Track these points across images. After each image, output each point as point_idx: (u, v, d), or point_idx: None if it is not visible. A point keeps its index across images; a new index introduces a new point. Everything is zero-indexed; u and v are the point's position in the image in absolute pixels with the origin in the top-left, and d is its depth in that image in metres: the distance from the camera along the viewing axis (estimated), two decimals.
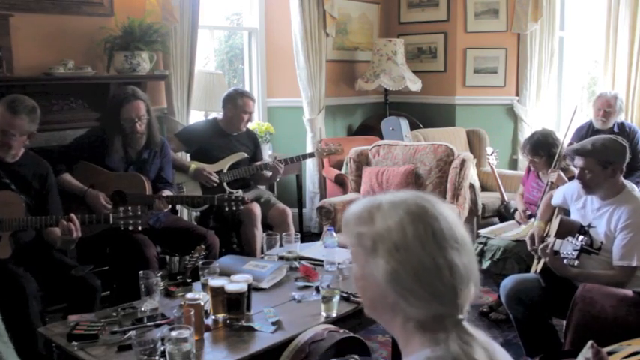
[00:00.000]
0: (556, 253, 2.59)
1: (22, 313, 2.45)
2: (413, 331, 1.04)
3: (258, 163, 4.00)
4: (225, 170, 3.84)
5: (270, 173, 3.92)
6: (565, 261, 2.55)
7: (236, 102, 3.86)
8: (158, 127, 3.44)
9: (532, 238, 2.94)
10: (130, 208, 2.81)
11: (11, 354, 1.19)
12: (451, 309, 1.01)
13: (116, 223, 2.78)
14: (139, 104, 3.19)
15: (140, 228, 2.83)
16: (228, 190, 3.69)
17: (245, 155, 3.95)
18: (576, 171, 2.72)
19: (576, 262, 2.53)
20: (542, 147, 3.48)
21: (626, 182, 2.71)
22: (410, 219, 1.02)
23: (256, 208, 3.70)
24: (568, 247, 2.55)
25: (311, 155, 4.28)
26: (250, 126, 4.36)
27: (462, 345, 0.99)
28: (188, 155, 4.05)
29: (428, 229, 1.01)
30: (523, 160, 5.12)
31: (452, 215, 1.05)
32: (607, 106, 4.38)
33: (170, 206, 3.36)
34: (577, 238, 2.55)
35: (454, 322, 1.01)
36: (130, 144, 3.24)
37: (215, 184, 3.72)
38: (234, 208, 3.22)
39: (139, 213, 2.80)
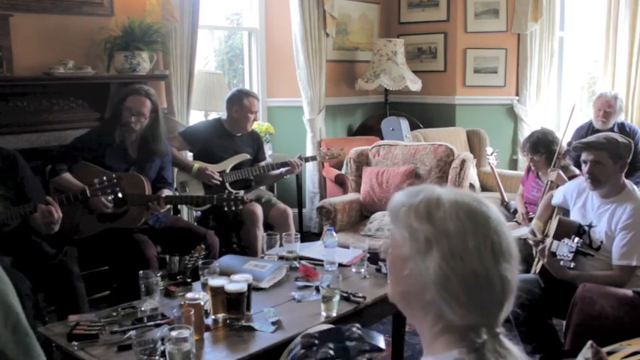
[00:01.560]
0: (553, 254, 2.60)
1: None
2: (442, 331, 1.01)
3: (262, 163, 4.00)
4: (227, 171, 3.84)
5: (287, 168, 3.95)
6: (561, 262, 2.56)
7: (242, 102, 3.86)
8: (164, 135, 3.39)
9: (533, 233, 2.97)
10: (105, 177, 2.77)
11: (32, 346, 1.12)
12: (490, 321, 0.99)
13: (94, 194, 2.76)
14: (144, 101, 3.19)
15: (120, 195, 2.80)
16: (229, 190, 3.69)
17: (248, 157, 3.95)
18: (584, 165, 2.71)
19: (572, 264, 2.54)
20: (542, 144, 3.49)
21: (626, 182, 2.72)
22: (472, 227, 0.98)
23: (258, 209, 3.70)
24: (564, 249, 2.56)
25: (313, 158, 4.31)
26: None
27: (497, 357, 0.97)
28: (191, 154, 4.05)
29: (488, 241, 0.98)
30: (523, 160, 5.13)
31: (508, 228, 1.03)
32: (607, 107, 4.38)
33: (168, 206, 3.35)
34: (573, 240, 2.56)
35: (492, 334, 0.99)
36: (123, 135, 3.23)
37: (218, 183, 3.72)
38: (233, 208, 3.22)
39: (115, 180, 2.76)
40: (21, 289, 2.46)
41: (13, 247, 2.75)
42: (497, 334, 1.00)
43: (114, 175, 2.79)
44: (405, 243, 1.02)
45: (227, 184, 3.78)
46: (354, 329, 1.64)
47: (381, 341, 1.62)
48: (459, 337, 0.99)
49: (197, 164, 3.77)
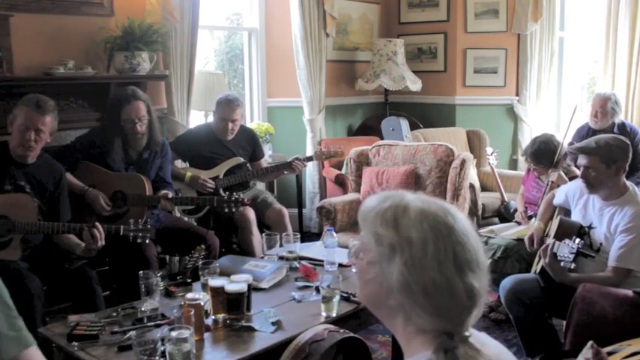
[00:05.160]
0: (554, 255, 2.59)
1: (25, 312, 2.45)
2: (415, 333, 1.03)
3: (263, 164, 3.98)
4: (221, 176, 3.78)
5: (288, 171, 3.91)
6: (562, 263, 2.55)
7: (218, 110, 3.80)
8: (159, 127, 3.42)
9: (531, 239, 2.95)
10: (139, 220, 2.85)
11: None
12: (457, 327, 1.01)
13: (126, 234, 2.80)
14: (139, 105, 3.19)
15: (148, 241, 2.85)
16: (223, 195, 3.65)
17: (241, 160, 3.86)
18: (579, 170, 2.72)
19: (572, 265, 2.54)
20: (545, 156, 3.46)
21: (628, 184, 2.71)
22: (434, 237, 0.99)
23: (251, 214, 3.65)
24: (565, 250, 2.56)
25: (309, 159, 4.19)
26: (250, 126, 4.33)
27: (468, 359, 0.99)
28: (187, 161, 4.02)
29: (449, 251, 0.99)
30: (523, 161, 5.13)
31: (475, 237, 1.04)
32: (599, 107, 4.38)
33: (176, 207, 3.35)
34: (574, 241, 2.55)
35: (461, 338, 1.01)
36: (130, 144, 3.24)
37: (211, 190, 3.67)
38: (233, 210, 3.21)
39: (149, 226, 2.83)
40: (32, 289, 2.48)
41: (38, 254, 2.78)
42: (467, 338, 1.01)
43: (148, 220, 2.87)
44: (371, 248, 1.04)
45: (220, 190, 3.71)
46: None
47: None
48: (432, 339, 1.01)
49: (189, 172, 3.72)
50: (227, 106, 3.76)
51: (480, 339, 1.06)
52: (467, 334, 1.01)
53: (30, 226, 2.66)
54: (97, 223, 2.71)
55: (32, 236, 2.75)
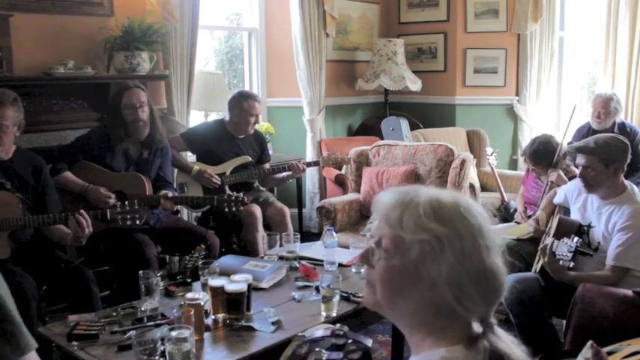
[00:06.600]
0: (552, 254, 2.60)
1: (21, 313, 2.45)
2: (431, 331, 1.02)
3: (266, 166, 4.01)
4: (227, 173, 3.81)
5: (290, 172, 3.93)
6: (560, 262, 2.56)
7: (241, 106, 3.81)
8: (161, 126, 3.39)
9: (537, 220, 2.97)
10: (127, 202, 2.79)
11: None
12: (489, 311, 1.05)
13: (114, 218, 2.77)
14: (139, 92, 3.20)
15: (139, 222, 2.81)
16: (228, 192, 3.67)
17: (249, 159, 3.90)
18: (578, 169, 2.72)
19: (571, 264, 2.54)
20: (544, 156, 3.47)
21: (627, 183, 2.71)
22: (477, 225, 1.03)
23: (257, 211, 3.68)
24: (563, 249, 2.56)
25: (316, 163, 4.25)
26: None
27: (494, 342, 1.03)
28: (194, 156, 4.04)
29: (491, 237, 1.04)
30: (523, 161, 5.13)
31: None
32: (601, 107, 4.38)
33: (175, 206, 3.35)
34: (572, 240, 2.56)
35: (488, 324, 1.04)
36: (132, 134, 3.22)
37: (217, 186, 3.71)
38: (233, 209, 3.21)
39: (136, 207, 2.78)
40: (26, 290, 2.47)
41: (30, 255, 2.76)
42: (492, 324, 1.05)
43: (136, 201, 2.81)
44: (413, 245, 1.00)
45: (226, 187, 3.74)
46: (341, 332, 1.65)
47: (368, 341, 1.63)
48: (449, 334, 1.02)
49: (197, 166, 3.75)
50: (254, 101, 3.85)
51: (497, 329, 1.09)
52: (492, 320, 1.06)
53: (15, 221, 2.62)
54: (82, 210, 2.66)
55: (21, 233, 2.72)
